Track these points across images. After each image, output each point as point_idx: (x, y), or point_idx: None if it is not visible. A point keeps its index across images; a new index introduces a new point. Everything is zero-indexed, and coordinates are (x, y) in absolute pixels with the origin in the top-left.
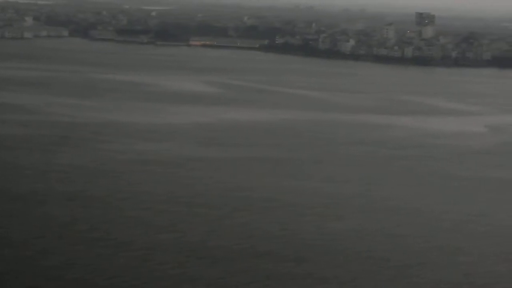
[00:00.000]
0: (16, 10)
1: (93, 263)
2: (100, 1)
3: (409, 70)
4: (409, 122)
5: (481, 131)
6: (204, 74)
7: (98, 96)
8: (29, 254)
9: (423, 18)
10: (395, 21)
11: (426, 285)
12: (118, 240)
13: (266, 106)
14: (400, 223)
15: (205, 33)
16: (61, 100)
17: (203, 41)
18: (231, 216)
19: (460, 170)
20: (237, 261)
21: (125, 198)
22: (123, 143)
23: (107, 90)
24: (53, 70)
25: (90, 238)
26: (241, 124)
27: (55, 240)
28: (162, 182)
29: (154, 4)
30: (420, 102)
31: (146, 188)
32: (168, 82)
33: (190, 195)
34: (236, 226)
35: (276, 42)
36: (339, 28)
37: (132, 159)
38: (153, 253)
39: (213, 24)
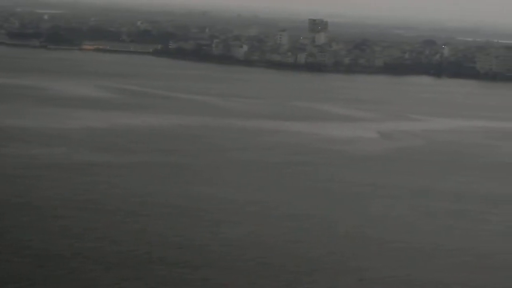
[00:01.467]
0: None
1: None
2: None
3: (302, 76)
4: (302, 128)
5: (373, 137)
6: (97, 79)
7: None
8: None
9: (316, 25)
10: (288, 27)
11: None
12: (12, 246)
13: (160, 112)
14: (294, 229)
15: (98, 37)
16: None
17: (96, 45)
18: (126, 222)
19: (353, 176)
20: (132, 267)
21: (19, 203)
22: (16, 148)
23: None
24: None
25: None
26: (135, 129)
27: None
28: (57, 187)
29: (46, 7)
30: (313, 108)
31: (41, 193)
32: (60, 87)
33: (85, 200)
34: (132, 232)
35: (170, 47)
36: (232, 33)
37: (26, 163)
38: (47, 259)
39: (106, 28)
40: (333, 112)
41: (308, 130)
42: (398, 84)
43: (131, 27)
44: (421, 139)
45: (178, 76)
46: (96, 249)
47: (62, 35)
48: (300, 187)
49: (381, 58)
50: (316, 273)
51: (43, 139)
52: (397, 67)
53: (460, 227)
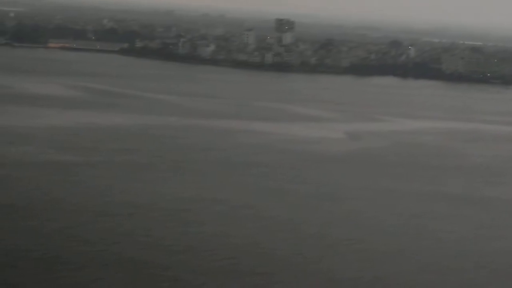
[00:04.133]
0: None
1: None
2: None
3: (268, 76)
4: (267, 128)
5: (339, 137)
6: (61, 77)
7: None
8: None
9: (283, 25)
10: (255, 27)
11: None
12: None
13: (125, 111)
14: (259, 229)
15: (64, 35)
16: None
17: (61, 43)
18: (94, 221)
19: (317, 176)
20: (102, 267)
21: None
22: None
23: None
24: None
25: None
26: (98, 128)
27: None
28: (24, 186)
29: (11, 5)
30: (279, 108)
31: (8, 192)
32: (24, 84)
33: (52, 200)
34: (100, 231)
35: (136, 45)
36: (199, 33)
37: None
38: (16, 259)
39: (71, 27)
40: (299, 112)
41: (274, 130)
42: (364, 84)
43: (96, 25)
44: (386, 139)
45: (144, 75)
46: (65, 249)
47: (27, 32)
48: (263, 187)
49: (347, 58)
50: (282, 274)
51: (8, 138)
52: (363, 68)
53: (425, 228)
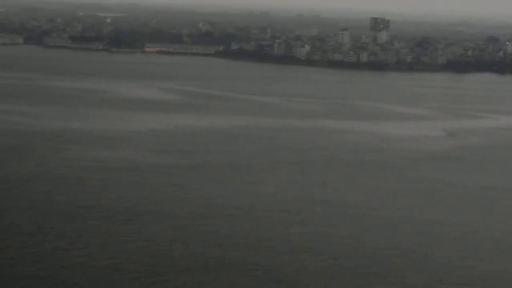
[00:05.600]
0: None
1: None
2: (54, 8)
3: (364, 75)
4: (365, 127)
5: (438, 135)
6: (159, 81)
7: (53, 104)
8: None
9: (378, 23)
10: (349, 27)
11: None
12: (84, 249)
13: (221, 113)
14: (363, 230)
15: (160, 39)
16: (16, 108)
17: (158, 48)
18: (195, 224)
19: (425, 174)
20: (203, 270)
21: (87, 207)
22: (81, 151)
23: (62, 97)
24: (8, 78)
25: (54, 247)
26: (197, 131)
27: (21, 250)
28: (123, 190)
29: (107, 11)
30: (376, 107)
31: (107, 196)
32: (123, 89)
33: (152, 203)
34: (201, 234)
35: (231, 48)
36: (293, 34)
37: (91, 166)
38: (120, 262)
39: (167, 31)
40: (396, 111)
41: (371, 129)
42: (461, 81)
43: (192, 29)
44: (485, 136)
45: (240, 77)
46: (167, 253)
47: (124, 38)
48: (365, 186)
49: (444, 56)
50: (386, 275)
51: (107, 142)
52: (460, 65)
53: None
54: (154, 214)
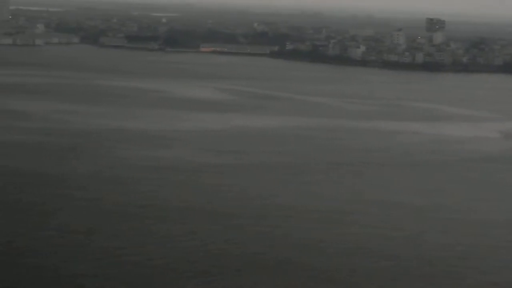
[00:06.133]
0: (27, 18)
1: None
2: (109, 8)
3: (419, 76)
4: (421, 128)
5: (494, 136)
6: (214, 81)
7: (109, 103)
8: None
9: (433, 24)
10: (404, 27)
11: None
12: (138, 251)
13: (276, 113)
14: (424, 229)
15: (215, 39)
16: (72, 107)
17: (213, 48)
18: (251, 224)
19: (480, 176)
20: (260, 270)
21: (142, 206)
22: (136, 150)
23: (118, 96)
24: (64, 77)
25: (110, 246)
26: (252, 131)
27: (77, 248)
28: (178, 189)
29: (162, 11)
30: (432, 108)
31: (163, 195)
32: (178, 89)
33: (208, 203)
34: (257, 234)
35: (286, 48)
36: (348, 34)
37: (146, 166)
38: (175, 261)
39: (222, 31)
40: (452, 112)
41: (427, 130)
42: None
43: (247, 29)
44: None
45: (295, 78)
46: (222, 252)
47: (179, 38)
48: (421, 187)
49: (500, 57)
50: (442, 278)
51: (162, 142)
52: None
53: None
54: (209, 213)
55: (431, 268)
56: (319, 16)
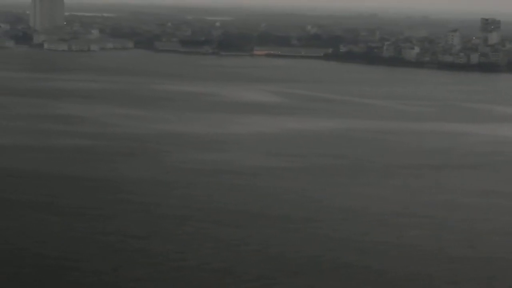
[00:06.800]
0: (82, 23)
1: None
2: (163, 13)
3: (474, 77)
4: (478, 129)
5: None
6: (268, 84)
7: (164, 107)
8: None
9: (488, 24)
10: (459, 28)
11: None
12: (195, 255)
13: (331, 116)
14: (484, 232)
15: (268, 42)
16: (127, 112)
17: (266, 51)
18: (308, 227)
19: None
20: (317, 273)
21: (199, 210)
22: (192, 154)
23: (173, 101)
24: (120, 82)
25: (167, 250)
26: (307, 133)
27: (135, 253)
28: (234, 192)
29: (217, 14)
30: (489, 109)
31: (219, 199)
32: (233, 92)
33: (263, 206)
34: (313, 237)
35: (340, 50)
36: (402, 35)
37: (201, 169)
38: (232, 265)
39: (275, 34)
40: (508, 112)
41: (485, 131)
42: None
43: (300, 32)
44: None
45: (349, 80)
46: (279, 256)
47: (233, 41)
48: (477, 189)
49: None
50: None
51: (218, 145)
52: None
53: None
54: (265, 217)
55: (491, 271)
56: (374, 18)
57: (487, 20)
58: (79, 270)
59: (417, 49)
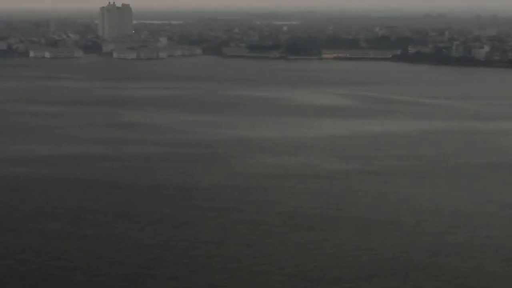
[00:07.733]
0: (150, 31)
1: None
2: (231, 19)
3: None
4: None
5: None
6: (338, 87)
7: (235, 112)
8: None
9: None
10: None
11: None
12: (269, 259)
13: (402, 117)
14: None
15: (336, 45)
16: (198, 118)
17: (335, 54)
18: (381, 230)
19: None
20: (394, 275)
21: (272, 214)
22: (264, 158)
23: (243, 106)
24: (189, 88)
25: (241, 255)
26: (378, 136)
27: (209, 259)
28: (307, 196)
29: (284, 19)
30: None
31: (292, 203)
32: (302, 96)
33: (337, 209)
34: (384, 239)
35: (409, 51)
36: (472, 35)
37: (274, 173)
38: (307, 270)
39: (343, 36)
40: None
41: None
42: None
43: (368, 34)
44: None
45: (419, 81)
46: (353, 259)
47: (300, 45)
48: None
49: None
50: None
51: (290, 149)
52: None
53: None
54: (339, 220)
55: None
56: (442, 18)
57: None
58: (155, 277)
59: (486, 48)
